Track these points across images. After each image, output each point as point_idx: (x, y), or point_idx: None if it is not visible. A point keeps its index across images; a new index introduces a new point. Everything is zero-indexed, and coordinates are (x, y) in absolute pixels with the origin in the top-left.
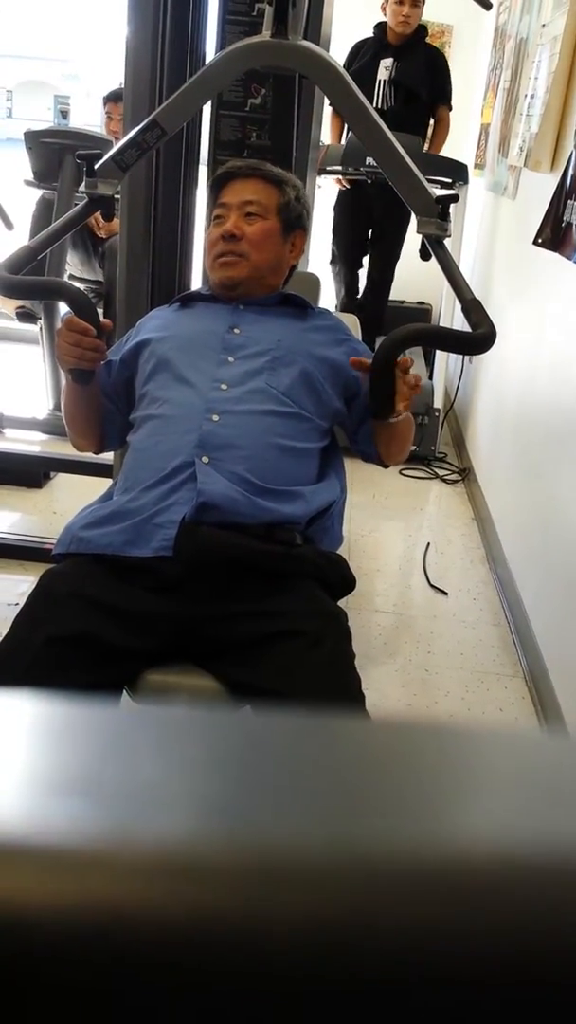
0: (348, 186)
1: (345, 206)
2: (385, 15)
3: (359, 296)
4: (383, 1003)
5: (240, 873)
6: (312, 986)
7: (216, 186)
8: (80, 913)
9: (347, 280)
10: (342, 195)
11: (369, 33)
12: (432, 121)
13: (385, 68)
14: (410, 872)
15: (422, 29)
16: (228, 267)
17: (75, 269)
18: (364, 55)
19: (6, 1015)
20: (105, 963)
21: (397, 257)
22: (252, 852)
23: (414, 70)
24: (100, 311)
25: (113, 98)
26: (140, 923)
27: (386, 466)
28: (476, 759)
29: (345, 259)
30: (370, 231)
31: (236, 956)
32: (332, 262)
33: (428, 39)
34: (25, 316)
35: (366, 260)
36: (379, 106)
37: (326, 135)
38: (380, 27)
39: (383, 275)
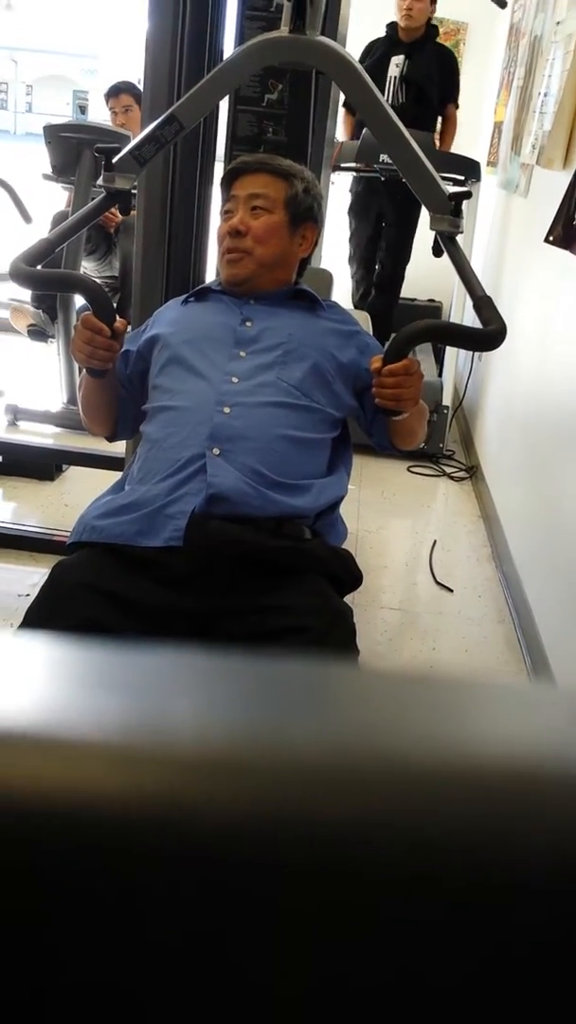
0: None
1: (359, 208)
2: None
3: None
4: (383, 895)
5: (252, 769)
6: (310, 873)
7: (227, 181)
8: (98, 803)
9: (363, 279)
10: (356, 197)
11: (383, 32)
12: (440, 119)
13: (396, 65)
14: (403, 772)
15: (433, 28)
16: (232, 265)
17: (92, 273)
18: (375, 52)
19: (25, 899)
20: (118, 851)
21: (407, 255)
22: (263, 750)
23: (424, 68)
24: (115, 303)
25: (113, 92)
26: (157, 814)
27: (402, 453)
28: (469, 697)
29: (361, 259)
30: (381, 231)
31: (244, 846)
32: (350, 261)
33: (442, 36)
34: (36, 334)
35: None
36: (389, 102)
37: (339, 132)
38: (392, 26)
39: (392, 276)
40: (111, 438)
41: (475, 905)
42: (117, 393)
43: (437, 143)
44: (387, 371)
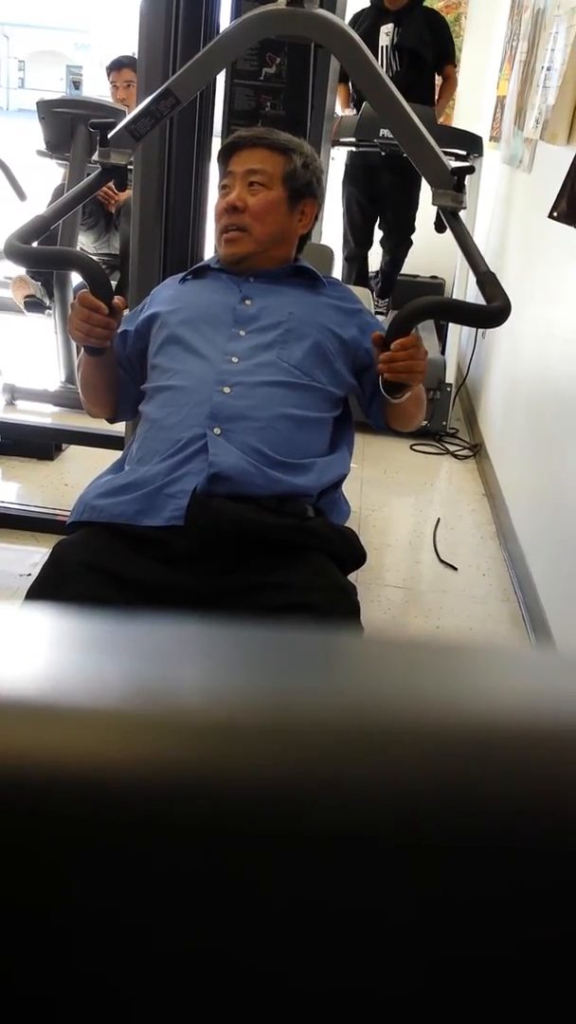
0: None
1: (354, 181)
2: None
3: (373, 270)
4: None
5: (259, 733)
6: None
7: (223, 156)
8: (103, 771)
9: (357, 255)
10: (349, 170)
11: (366, 3)
12: (439, 82)
13: (386, 34)
14: (412, 734)
15: None
16: (231, 244)
17: (88, 248)
18: (363, 23)
19: (28, 872)
20: (124, 821)
21: (412, 226)
22: (270, 713)
23: (415, 33)
24: (114, 283)
25: (115, 66)
26: (162, 781)
27: (399, 434)
28: (473, 661)
29: (354, 234)
30: (378, 208)
31: (253, 812)
32: (345, 235)
33: (444, 10)
34: (33, 306)
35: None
36: (384, 72)
37: (337, 105)
38: None
39: (397, 248)
40: (112, 419)
41: (483, 866)
42: (116, 374)
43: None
44: (397, 344)
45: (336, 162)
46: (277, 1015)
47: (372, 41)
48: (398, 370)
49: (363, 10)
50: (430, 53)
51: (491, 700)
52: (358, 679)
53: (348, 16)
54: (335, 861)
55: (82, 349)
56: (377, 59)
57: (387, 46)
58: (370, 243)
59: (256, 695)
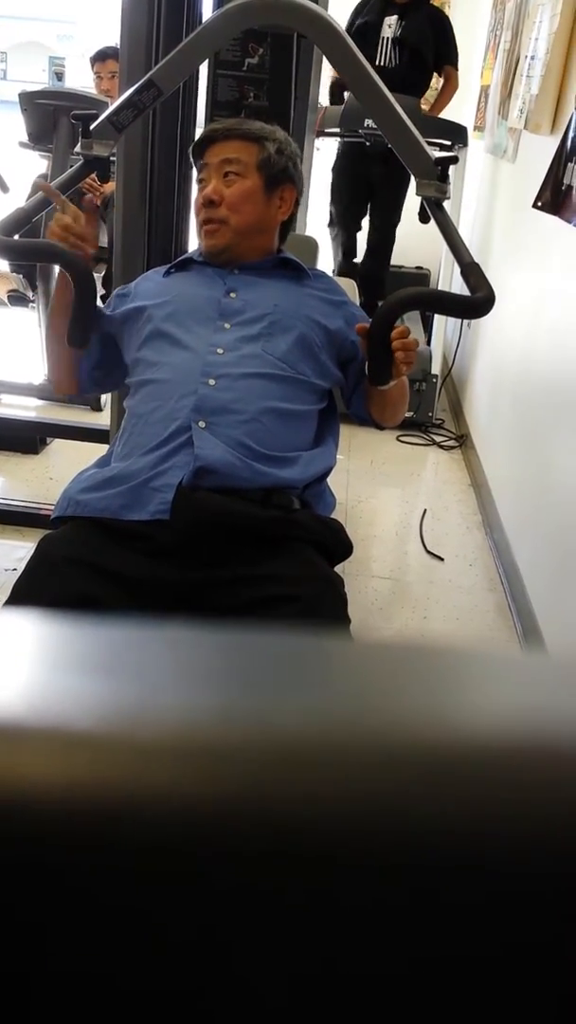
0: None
1: (343, 169)
2: None
3: (357, 260)
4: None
5: (247, 753)
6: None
7: (198, 151)
8: (87, 793)
9: (344, 244)
10: (340, 158)
11: None
12: (433, 82)
13: (389, 26)
14: (397, 754)
15: None
16: (210, 236)
17: None
18: (369, 12)
19: (13, 894)
20: (115, 843)
21: (397, 221)
22: (250, 734)
23: (418, 29)
24: (98, 276)
25: (100, 57)
26: (148, 804)
27: (381, 428)
28: (462, 670)
29: (343, 223)
30: (369, 195)
31: (242, 834)
32: (330, 225)
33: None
34: (17, 299)
35: (365, 223)
36: (383, 64)
37: (324, 97)
38: None
39: (383, 240)
40: (74, 391)
41: (473, 883)
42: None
43: (429, 105)
44: (396, 333)
45: (322, 153)
46: None
47: (375, 31)
48: (401, 360)
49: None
50: (430, 52)
51: (477, 712)
52: (339, 694)
53: (338, 8)
54: (316, 882)
55: (52, 304)
56: (377, 51)
57: (388, 38)
58: (358, 228)
59: (234, 716)
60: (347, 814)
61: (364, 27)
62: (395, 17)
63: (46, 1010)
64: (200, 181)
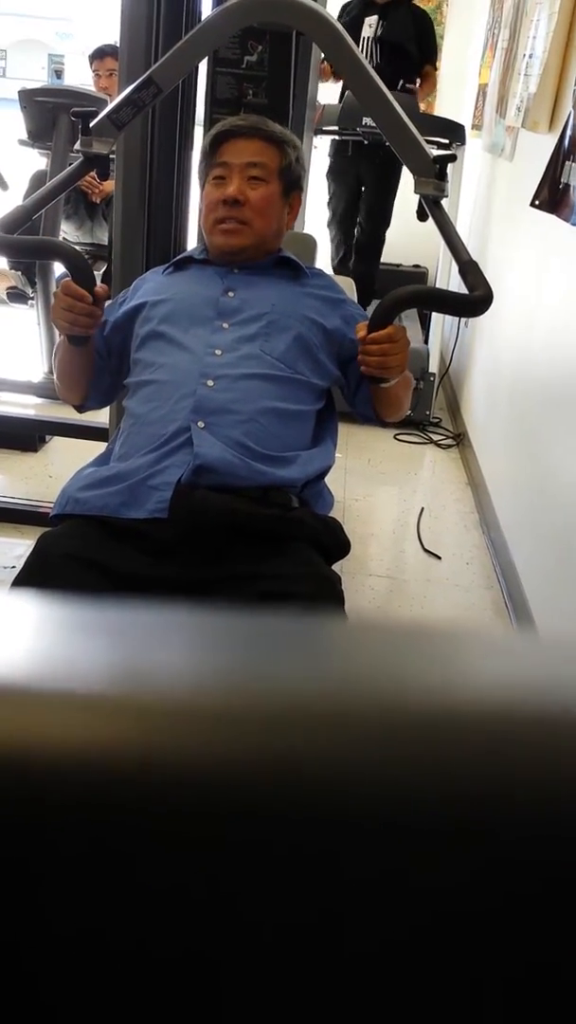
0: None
1: (336, 172)
2: None
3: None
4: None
5: (243, 717)
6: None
7: (215, 143)
8: (85, 756)
9: (342, 243)
10: (333, 162)
11: None
12: (417, 80)
13: (369, 26)
14: (395, 718)
15: None
16: (230, 235)
17: (70, 236)
18: (350, 13)
19: (23, 854)
20: (105, 805)
21: (388, 219)
22: (253, 698)
23: (400, 27)
24: (99, 274)
25: (98, 55)
26: (145, 765)
27: (385, 424)
28: (457, 645)
29: (340, 223)
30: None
31: (235, 795)
32: (329, 225)
33: None
34: (16, 297)
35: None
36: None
37: (322, 94)
38: None
39: (372, 238)
40: (80, 408)
41: (466, 848)
42: (93, 361)
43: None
44: (370, 339)
45: (319, 151)
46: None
47: (355, 31)
48: (372, 365)
49: (352, 0)
50: (415, 49)
51: (473, 685)
52: (339, 664)
53: (336, 6)
54: (316, 846)
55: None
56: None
57: (369, 38)
58: (354, 224)
59: (239, 680)
60: (349, 776)
61: (345, 27)
62: (375, 17)
63: (53, 969)
64: (217, 178)
